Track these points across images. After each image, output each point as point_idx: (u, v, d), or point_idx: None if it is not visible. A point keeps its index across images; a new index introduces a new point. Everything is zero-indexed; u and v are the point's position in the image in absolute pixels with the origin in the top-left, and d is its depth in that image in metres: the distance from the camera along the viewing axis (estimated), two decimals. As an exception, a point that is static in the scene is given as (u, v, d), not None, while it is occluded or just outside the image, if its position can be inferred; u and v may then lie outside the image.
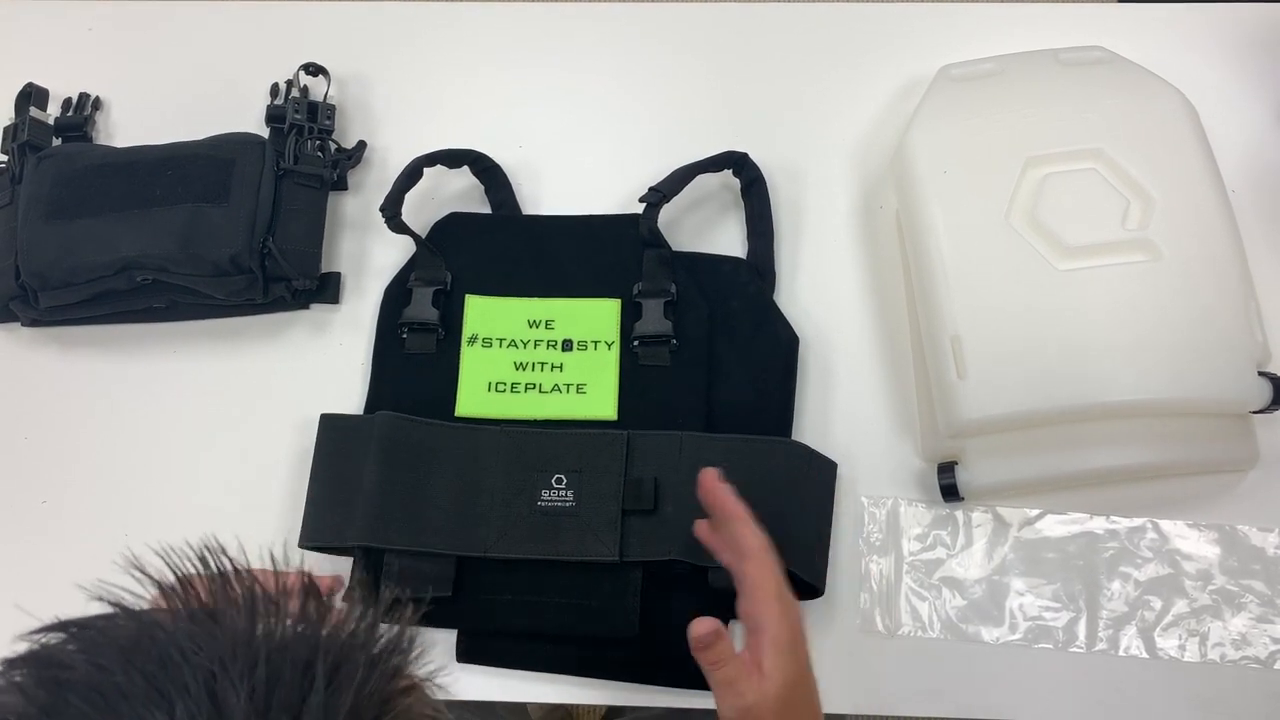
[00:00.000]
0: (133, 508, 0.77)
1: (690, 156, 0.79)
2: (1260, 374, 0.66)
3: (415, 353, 0.77)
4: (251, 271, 0.77)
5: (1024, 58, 0.76)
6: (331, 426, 0.75)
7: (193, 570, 0.38)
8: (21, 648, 0.35)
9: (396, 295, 0.79)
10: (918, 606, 0.71)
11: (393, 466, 0.71)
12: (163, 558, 0.38)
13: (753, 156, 0.80)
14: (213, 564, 0.38)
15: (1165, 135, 0.72)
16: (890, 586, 0.72)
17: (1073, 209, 0.70)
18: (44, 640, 0.35)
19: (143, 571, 0.38)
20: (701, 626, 0.56)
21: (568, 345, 0.76)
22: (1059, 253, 0.69)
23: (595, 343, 0.76)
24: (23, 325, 0.82)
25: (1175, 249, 0.68)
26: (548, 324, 0.77)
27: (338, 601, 0.38)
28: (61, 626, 0.35)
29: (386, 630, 0.37)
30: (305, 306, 0.81)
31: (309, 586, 0.37)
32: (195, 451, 0.79)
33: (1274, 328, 0.68)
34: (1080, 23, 0.85)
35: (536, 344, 0.77)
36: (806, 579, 0.68)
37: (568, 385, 0.75)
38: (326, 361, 0.80)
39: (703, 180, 0.79)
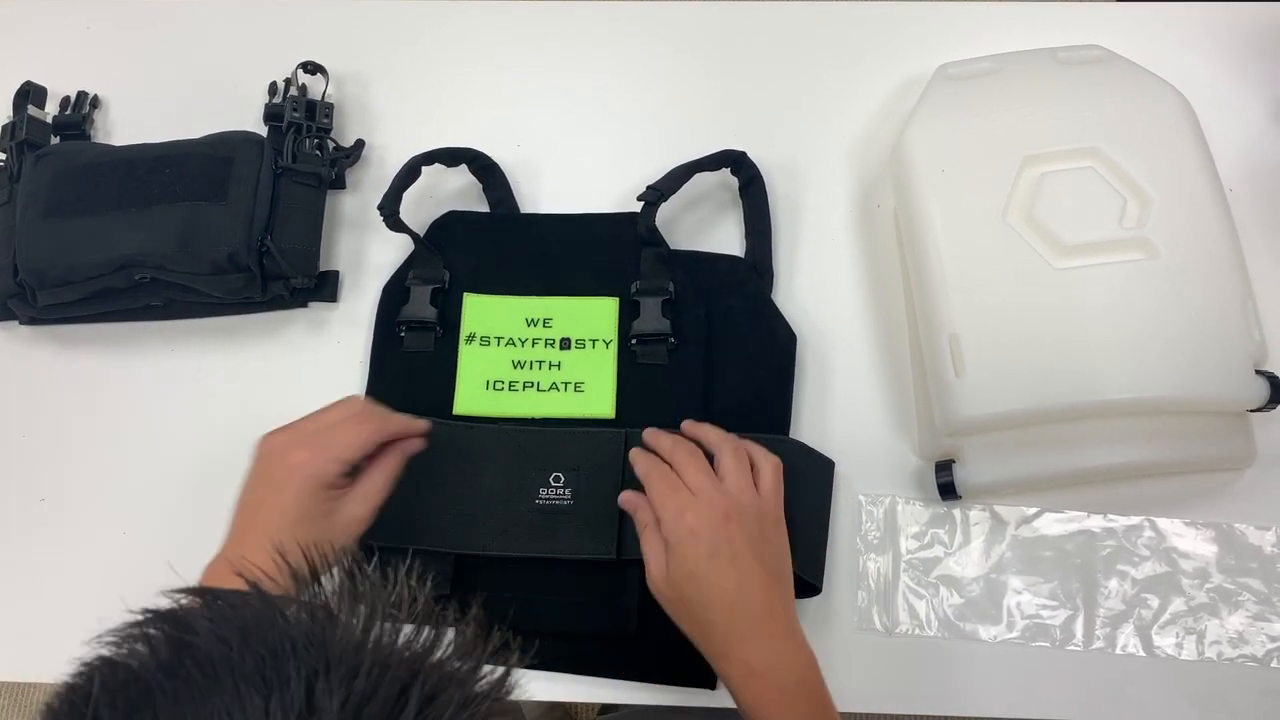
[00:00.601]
0: (131, 506, 0.77)
1: (688, 155, 0.79)
2: (1257, 372, 0.66)
3: (413, 351, 0.78)
4: (249, 270, 0.77)
5: (1022, 56, 0.76)
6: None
7: (326, 568, 0.39)
8: (164, 603, 0.37)
9: (394, 294, 0.79)
10: (915, 605, 0.71)
11: None
12: (304, 552, 0.39)
13: (751, 155, 0.80)
14: (346, 565, 0.39)
15: (1163, 134, 0.72)
16: (888, 585, 0.72)
17: (1070, 207, 0.70)
18: (182, 601, 0.37)
19: (284, 559, 0.39)
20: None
21: (566, 344, 0.76)
22: (1056, 251, 0.69)
23: (593, 341, 0.76)
24: (21, 323, 0.82)
25: (1172, 247, 0.68)
26: (546, 322, 0.77)
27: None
28: (200, 592, 0.37)
29: (487, 672, 0.37)
30: (303, 305, 0.81)
31: (427, 612, 0.38)
32: (192, 449, 0.79)
33: (1271, 326, 0.68)
34: (1078, 21, 0.85)
35: (534, 342, 0.77)
36: (805, 577, 0.68)
37: (566, 384, 0.75)
38: (324, 360, 0.80)
39: (701, 179, 0.79)
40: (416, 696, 0.34)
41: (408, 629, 0.37)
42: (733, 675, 0.60)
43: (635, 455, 0.67)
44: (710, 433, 0.67)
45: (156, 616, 0.36)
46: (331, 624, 0.36)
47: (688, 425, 0.69)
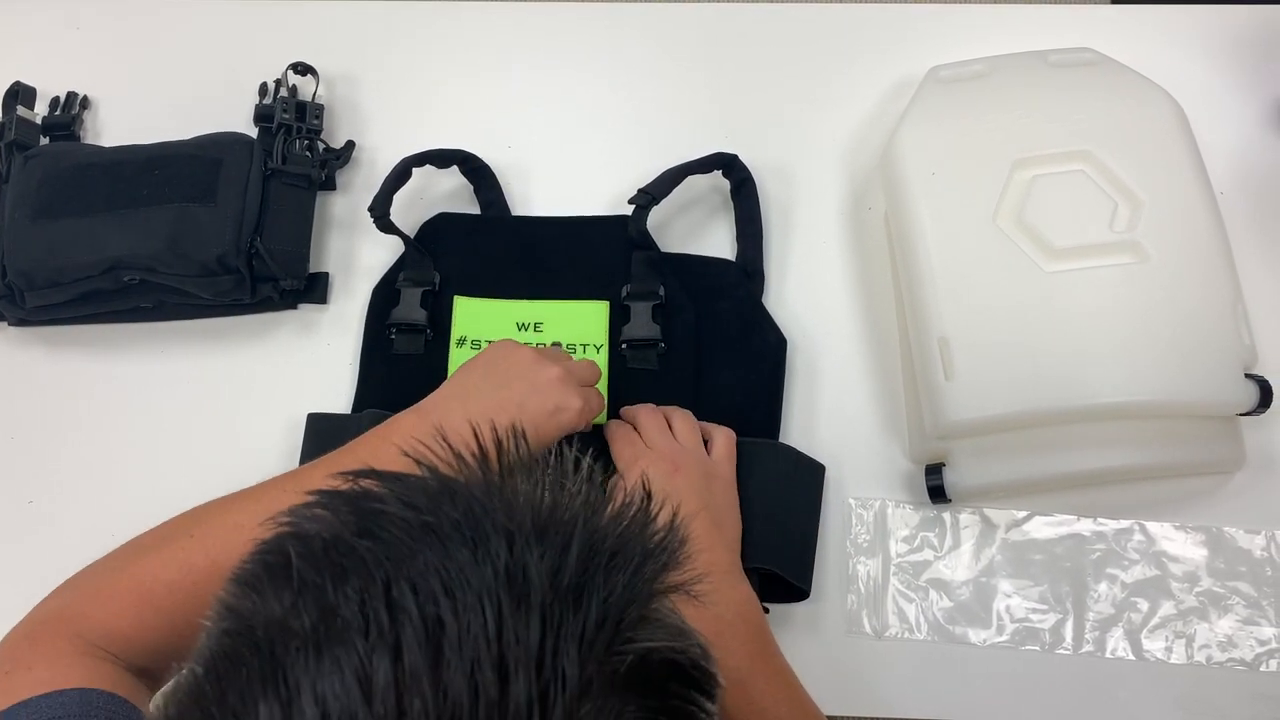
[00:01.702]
0: (119, 508, 0.76)
1: (680, 157, 0.79)
2: (1247, 376, 0.66)
3: (403, 353, 0.77)
4: (239, 271, 0.77)
5: (1013, 59, 0.76)
6: (318, 426, 0.75)
7: (492, 445, 0.39)
8: (333, 483, 0.38)
9: (385, 296, 0.79)
10: (905, 608, 0.71)
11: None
12: (473, 428, 0.40)
13: (742, 158, 0.80)
14: (511, 441, 0.39)
15: (1153, 137, 0.72)
16: (877, 588, 0.72)
17: (1060, 211, 0.70)
18: (355, 483, 0.37)
19: (445, 441, 0.40)
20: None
21: (556, 348, 0.76)
22: (1046, 254, 0.69)
23: (584, 345, 0.76)
24: (9, 325, 0.81)
25: (1163, 251, 0.68)
26: (536, 326, 0.77)
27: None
28: (371, 473, 0.37)
29: (658, 530, 0.38)
30: (293, 307, 0.81)
31: (590, 471, 0.39)
32: (182, 451, 0.78)
33: (1261, 330, 0.68)
34: (1070, 24, 0.85)
35: None
36: (794, 581, 0.68)
37: None
38: (314, 362, 0.80)
39: (692, 181, 0.79)
40: (605, 550, 0.35)
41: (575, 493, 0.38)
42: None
43: (606, 424, 0.72)
44: (665, 409, 0.72)
45: (330, 494, 0.37)
46: (513, 490, 0.37)
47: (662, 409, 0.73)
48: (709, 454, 0.69)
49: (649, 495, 0.39)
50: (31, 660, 0.55)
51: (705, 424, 0.71)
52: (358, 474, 0.38)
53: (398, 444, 0.55)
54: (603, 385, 0.75)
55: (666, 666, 0.35)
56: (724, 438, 0.70)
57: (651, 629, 0.35)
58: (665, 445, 0.68)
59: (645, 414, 0.71)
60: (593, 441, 0.71)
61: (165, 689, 0.36)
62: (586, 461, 0.39)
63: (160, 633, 0.57)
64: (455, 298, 0.78)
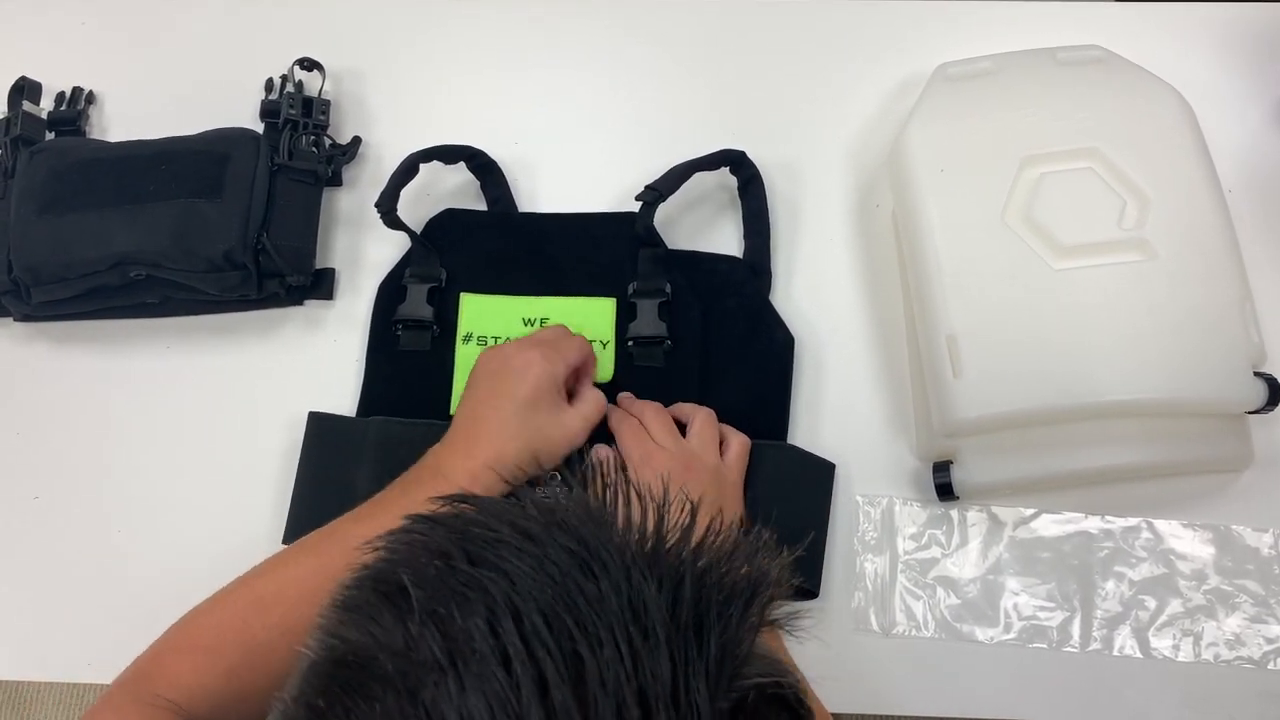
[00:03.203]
0: (124, 504, 0.77)
1: (688, 154, 0.79)
2: (1256, 374, 0.66)
3: (410, 350, 0.77)
4: (245, 267, 0.77)
5: (1021, 56, 0.76)
6: (320, 426, 0.75)
7: (589, 471, 0.39)
8: (424, 514, 0.37)
9: (390, 292, 0.79)
10: (912, 606, 0.71)
11: (390, 470, 0.70)
12: (571, 456, 0.40)
13: (750, 155, 0.80)
14: (609, 469, 0.39)
15: (1162, 135, 0.72)
16: (885, 586, 0.72)
17: (1069, 208, 0.70)
18: (456, 507, 0.37)
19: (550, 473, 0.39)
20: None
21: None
22: (1055, 252, 0.69)
23: (591, 342, 0.76)
24: (15, 320, 0.81)
25: (1171, 249, 0.68)
26: (543, 323, 0.77)
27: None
28: (470, 498, 0.37)
29: (762, 563, 0.38)
30: (299, 303, 0.81)
31: (694, 504, 0.38)
32: (188, 448, 0.78)
33: (1269, 328, 0.68)
34: (1078, 22, 0.85)
35: None
36: (803, 584, 0.68)
37: None
38: (320, 358, 0.80)
39: (700, 179, 0.79)
40: (717, 583, 0.34)
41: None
42: None
43: (609, 410, 0.71)
44: (685, 406, 0.72)
45: (432, 519, 0.36)
46: (613, 519, 0.36)
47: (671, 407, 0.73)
48: (723, 457, 0.69)
49: (746, 528, 0.39)
50: None
51: (723, 426, 0.71)
52: (454, 499, 0.37)
53: (460, 484, 0.55)
54: (606, 371, 0.75)
55: (773, 701, 0.35)
56: (739, 444, 0.70)
57: (758, 664, 0.35)
58: (675, 445, 0.68)
59: (651, 413, 0.70)
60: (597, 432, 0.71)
61: None
62: (680, 491, 0.38)
63: (229, 682, 0.57)
64: (462, 294, 0.78)
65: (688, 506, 0.38)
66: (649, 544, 0.35)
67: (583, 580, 0.33)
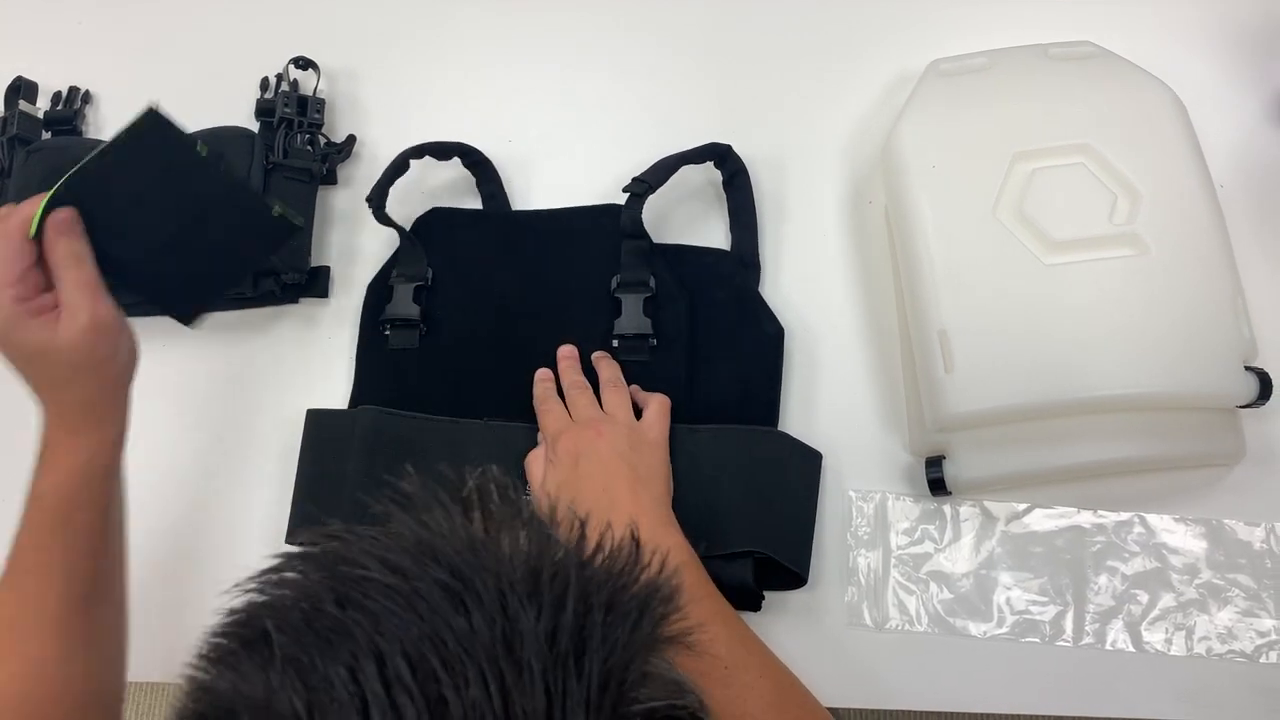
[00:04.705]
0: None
1: (681, 149, 0.79)
2: (1247, 368, 0.66)
3: (398, 348, 0.77)
4: (240, 265, 0.77)
5: (1013, 52, 0.76)
6: (316, 421, 0.76)
7: (473, 495, 0.38)
8: (298, 550, 0.35)
9: (379, 291, 0.79)
10: (905, 600, 0.71)
11: (376, 461, 0.71)
12: (451, 473, 0.38)
13: (746, 149, 0.80)
14: (494, 491, 0.38)
15: (1153, 130, 0.72)
16: (878, 580, 0.72)
17: (1060, 203, 0.70)
18: (325, 544, 0.35)
19: (424, 489, 0.37)
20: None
21: None
22: (1046, 247, 0.69)
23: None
24: (11, 319, 0.82)
25: (1162, 244, 0.68)
26: None
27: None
28: (344, 530, 0.35)
29: (653, 579, 0.36)
30: (294, 300, 0.81)
31: (581, 521, 0.37)
32: (184, 446, 0.79)
33: (1260, 322, 0.68)
34: (1070, 18, 0.85)
35: None
36: (791, 567, 0.68)
37: None
38: (315, 355, 0.80)
39: (688, 174, 0.79)
40: (601, 604, 0.33)
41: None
42: None
43: (537, 380, 0.74)
44: (604, 368, 0.74)
45: (303, 557, 0.35)
46: (498, 543, 0.35)
47: (597, 356, 0.75)
48: (640, 421, 0.70)
49: (638, 542, 0.37)
50: None
51: (642, 394, 0.73)
52: (327, 533, 0.35)
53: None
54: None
55: None
56: (656, 403, 0.71)
57: (652, 685, 0.34)
58: (590, 415, 0.70)
59: (575, 390, 0.72)
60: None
61: None
62: (566, 506, 0.38)
63: None
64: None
65: (577, 525, 0.37)
66: (531, 566, 0.34)
67: (452, 615, 0.32)
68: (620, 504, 0.64)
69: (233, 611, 0.34)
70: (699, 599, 0.62)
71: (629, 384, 0.74)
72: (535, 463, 0.70)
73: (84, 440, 0.59)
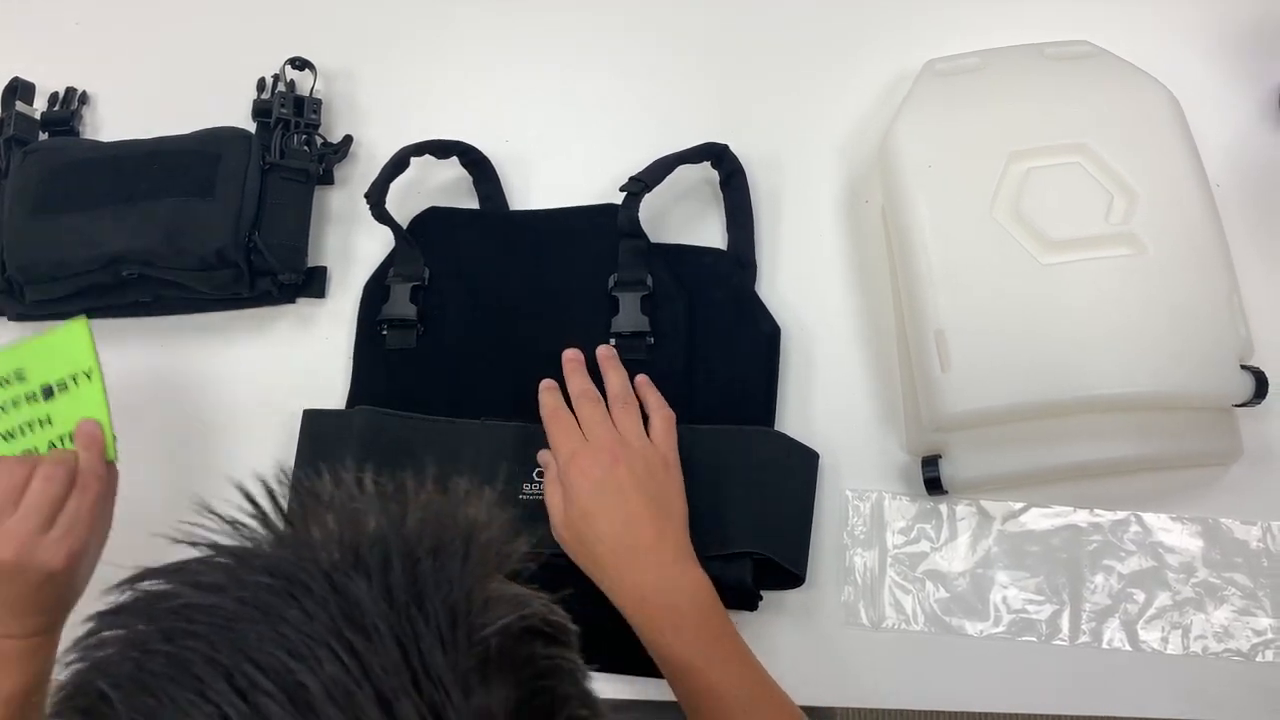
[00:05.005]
0: (119, 503, 0.77)
1: (679, 148, 0.79)
2: (1243, 367, 0.66)
3: (395, 348, 0.78)
4: (237, 265, 0.77)
5: (1009, 52, 0.76)
6: (313, 421, 0.76)
7: (265, 500, 0.38)
8: (110, 600, 0.35)
9: (375, 292, 0.79)
10: (901, 599, 0.71)
11: (371, 461, 0.71)
12: (240, 489, 0.39)
13: (743, 149, 0.80)
14: (278, 491, 0.39)
15: (1149, 130, 0.72)
16: (874, 579, 0.72)
17: (1057, 203, 0.70)
18: (136, 590, 0.35)
19: (212, 511, 0.38)
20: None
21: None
22: (1043, 247, 0.69)
23: (73, 378, 0.67)
24: (9, 319, 0.82)
25: (1159, 243, 0.68)
26: (19, 376, 0.67)
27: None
28: (146, 573, 0.36)
29: (468, 514, 0.38)
30: (291, 301, 0.81)
31: (379, 486, 0.38)
32: (181, 446, 0.79)
33: (1256, 321, 0.68)
34: (1066, 17, 0.85)
35: None
36: (788, 566, 0.68)
37: None
38: (312, 356, 0.80)
39: (685, 174, 0.79)
40: (426, 551, 0.35)
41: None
42: (627, 603, 0.62)
43: (543, 393, 0.71)
44: (613, 379, 0.71)
45: (114, 612, 0.35)
46: (305, 531, 0.36)
47: (603, 356, 0.73)
48: (649, 437, 0.69)
49: (448, 488, 0.39)
50: None
51: (648, 401, 0.71)
52: (130, 579, 0.35)
53: None
54: (103, 415, 0.66)
55: (525, 635, 0.35)
56: (661, 420, 0.70)
57: (497, 607, 0.35)
58: (605, 436, 0.67)
59: (586, 403, 0.70)
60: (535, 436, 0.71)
61: None
62: (369, 478, 0.38)
63: None
64: None
65: (389, 490, 0.38)
66: (348, 544, 0.35)
67: (285, 608, 0.32)
68: (642, 539, 0.63)
69: (62, 687, 0.34)
70: (718, 638, 0.62)
71: (630, 374, 0.73)
72: (552, 493, 0.67)
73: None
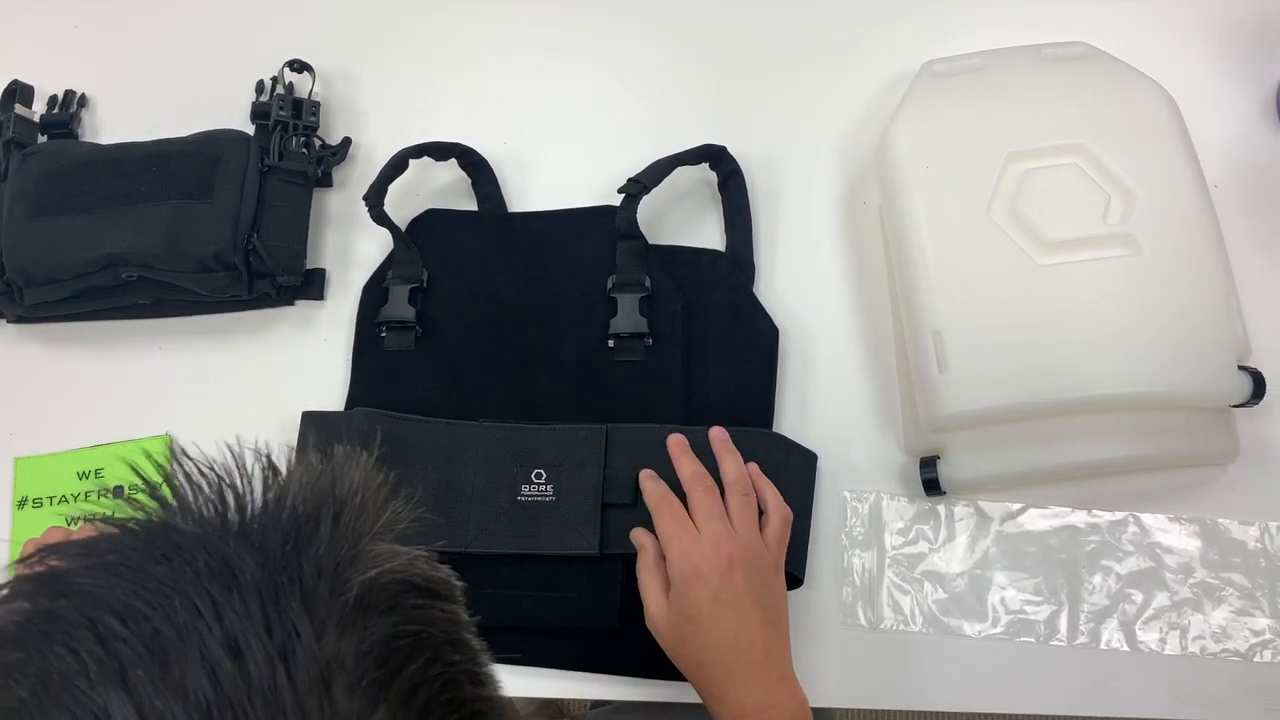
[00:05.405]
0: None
1: (678, 149, 0.79)
2: (1240, 368, 0.66)
3: (394, 350, 0.78)
4: (236, 268, 0.77)
5: (1007, 53, 0.76)
6: (312, 423, 0.76)
7: (155, 473, 0.40)
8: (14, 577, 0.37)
9: (374, 294, 0.80)
10: (900, 600, 0.71)
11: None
12: (130, 465, 0.40)
13: (741, 150, 0.80)
14: (171, 464, 0.40)
15: (1147, 130, 0.72)
16: (872, 580, 0.72)
17: (1054, 204, 0.70)
18: (40, 564, 0.37)
19: (109, 491, 0.39)
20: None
21: None
22: (1040, 247, 0.69)
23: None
24: (8, 322, 0.82)
25: (1156, 243, 0.68)
26: (97, 473, 0.76)
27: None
28: (50, 549, 0.37)
29: (348, 480, 0.39)
30: (290, 303, 0.82)
31: (264, 458, 0.40)
32: (181, 446, 0.79)
33: (1254, 322, 0.68)
34: (1064, 18, 0.85)
35: None
36: (787, 568, 0.68)
37: None
38: (311, 358, 0.80)
39: (683, 175, 0.79)
40: (301, 517, 0.36)
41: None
42: (725, 716, 0.61)
43: (645, 481, 0.68)
44: (729, 467, 0.67)
45: (12, 581, 0.36)
46: (185, 503, 0.37)
47: (717, 439, 0.69)
48: (763, 534, 0.65)
49: (325, 453, 0.40)
50: None
51: (764, 493, 0.67)
52: (39, 555, 0.37)
53: None
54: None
55: (397, 585, 0.36)
56: (779, 520, 0.66)
57: (373, 561, 0.36)
58: (720, 534, 0.63)
59: (699, 492, 0.65)
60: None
61: None
62: (254, 452, 0.40)
63: None
64: (15, 459, 0.78)
65: (266, 460, 0.40)
66: (230, 514, 0.37)
67: (153, 566, 0.34)
68: (751, 654, 0.61)
69: None
70: None
71: (630, 388, 0.72)
72: (652, 584, 0.64)
73: None
